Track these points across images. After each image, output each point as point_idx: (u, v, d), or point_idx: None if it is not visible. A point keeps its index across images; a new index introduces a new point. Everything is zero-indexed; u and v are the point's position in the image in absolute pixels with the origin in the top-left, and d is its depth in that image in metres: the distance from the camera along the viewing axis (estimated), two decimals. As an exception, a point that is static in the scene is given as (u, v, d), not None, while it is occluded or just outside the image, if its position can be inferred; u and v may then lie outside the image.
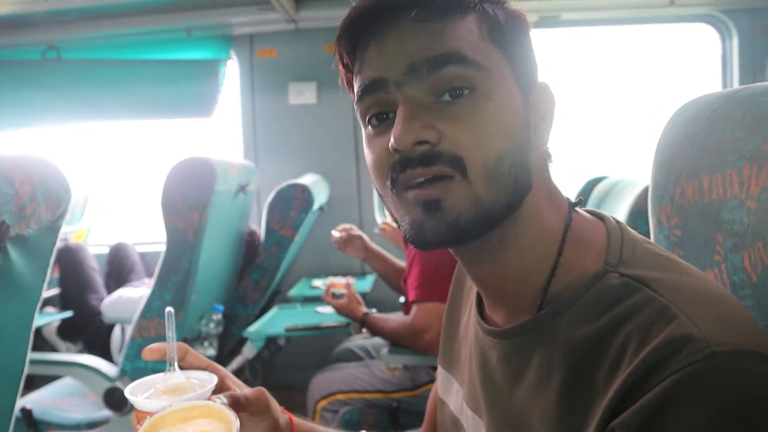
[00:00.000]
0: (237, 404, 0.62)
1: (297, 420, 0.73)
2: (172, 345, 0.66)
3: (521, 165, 0.54)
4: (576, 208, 0.60)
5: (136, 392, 0.61)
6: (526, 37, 0.58)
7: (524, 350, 0.57)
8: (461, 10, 0.53)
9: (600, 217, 0.60)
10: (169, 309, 0.67)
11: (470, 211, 0.52)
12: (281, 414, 0.70)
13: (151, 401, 0.60)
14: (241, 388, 0.70)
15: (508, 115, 0.53)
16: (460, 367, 0.71)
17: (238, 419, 0.54)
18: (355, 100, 0.57)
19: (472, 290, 0.74)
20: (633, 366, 0.45)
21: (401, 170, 0.53)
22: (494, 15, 0.55)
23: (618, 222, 0.59)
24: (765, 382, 0.42)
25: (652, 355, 0.44)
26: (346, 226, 2.31)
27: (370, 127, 0.57)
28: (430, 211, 0.52)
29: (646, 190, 1.04)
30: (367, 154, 0.58)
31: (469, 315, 0.72)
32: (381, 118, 0.56)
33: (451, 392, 0.73)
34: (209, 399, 0.61)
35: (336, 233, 2.26)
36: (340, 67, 0.59)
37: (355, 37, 0.56)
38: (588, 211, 0.62)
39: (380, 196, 0.58)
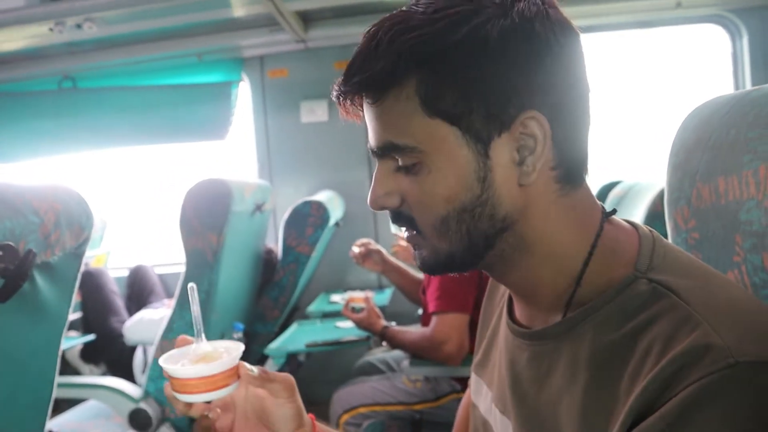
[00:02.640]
0: (265, 376, 0.69)
1: (318, 423, 0.76)
2: (197, 318, 0.71)
3: (476, 218, 0.57)
4: (611, 217, 0.61)
5: (168, 363, 0.67)
6: (491, 76, 0.53)
7: (552, 352, 0.58)
8: (394, 85, 0.55)
9: (634, 226, 0.61)
10: (191, 285, 0.73)
11: (432, 256, 0.60)
12: (304, 409, 0.74)
13: (184, 368, 0.65)
14: None
15: (447, 183, 0.56)
16: (489, 370, 0.73)
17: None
18: None
19: (504, 297, 0.75)
20: (654, 372, 0.45)
21: None
22: (429, 81, 0.53)
23: (651, 230, 0.59)
24: None
25: (673, 362, 0.44)
26: (364, 240, 2.31)
27: None
28: (414, 247, 0.63)
29: (661, 194, 1.04)
30: None
31: (498, 320, 0.73)
32: None
33: (481, 395, 0.74)
34: (238, 365, 0.68)
35: (356, 249, 2.27)
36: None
37: (346, 107, 0.63)
38: (624, 220, 0.62)
39: None
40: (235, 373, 0.68)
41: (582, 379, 0.53)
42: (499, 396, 0.67)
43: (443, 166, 0.56)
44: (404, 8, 0.56)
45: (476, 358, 0.80)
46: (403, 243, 2.40)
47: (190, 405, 0.69)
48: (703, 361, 0.43)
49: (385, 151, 0.58)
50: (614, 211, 0.61)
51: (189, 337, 0.72)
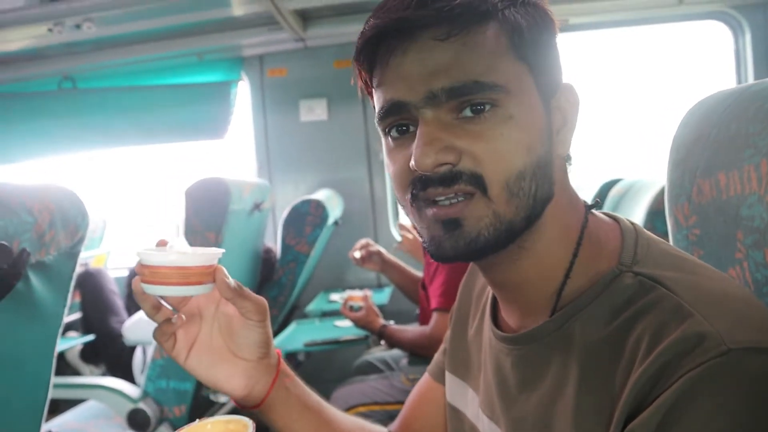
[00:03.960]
0: (239, 290, 0.65)
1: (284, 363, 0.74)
2: (182, 220, 0.66)
3: (543, 177, 0.54)
4: (592, 211, 0.60)
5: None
6: (550, 41, 0.56)
7: (540, 354, 0.56)
8: (480, 22, 0.52)
9: (615, 219, 0.60)
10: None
11: (490, 229, 0.53)
12: (272, 339, 0.71)
13: (158, 254, 0.61)
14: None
15: (529, 130, 0.53)
16: (473, 374, 0.71)
17: (253, 424, 0.55)
18: (377, 118, 0.57)
19: (482, 296, 0.74)
20: (647, 364, 0.45)
21: (422, 188, 0.54)
22: (515, 22, 0.53)
23: (632, 223, 0.59)
24: None
25: (666, 353, 0.44)
26: (364, 242, 2.29)
27: (390, 138, 0.57)
28: (449, 229, 0.53)
29: (662, 191, 1.03)
30: (388, 165, 0.59)
31: (480, 321, 0.72)
32: (401, 130, 0.56)
33: (467, 400, 0.72)
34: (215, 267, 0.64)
35: (357, 254, 2.24)
36: (359, 82, 0.60)
37: (372, 55, 0.56)
38: (604, 213, 0.62)
39: (401, 204, 0.59)
40: (210, 273, 0.63)
41: (573, 379, 0.52)
42: (487, 402, 0.65)
43: (526, 112, 0.53)
44: None
45: (452, 357, 0.77)
46: (410, 235, 2.39)
47: (158, 308, 0.65)
48: (696, 351, 0.43)
49: (460, 94, 0.51)
50: (596, 204, 0.60)
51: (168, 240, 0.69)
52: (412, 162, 0.52)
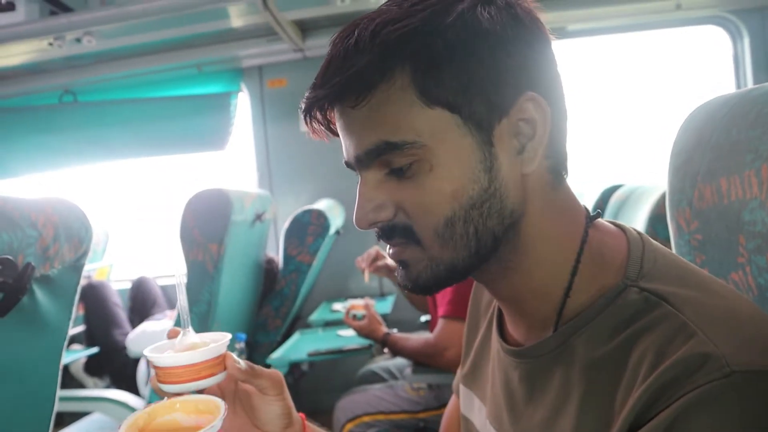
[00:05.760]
0: (251, 371, 0.66)
1: (308, 423, 0.74)
2: (184, 309, 0.69)
3: (485, 214, 0.53)
4: (596, 221, 0.59)
5: (154, 353, 0.65)
6: (484, 59, 0.51)
7: (545, 369, 0.56)
8: (385, 77, 0.51)
9: (621, 229, 0.59)
10: (179, 275, 0.71)
11: (427, 271, 0.55)
12: (293, 407, 0.72)
13: (166, 356, 0.63)
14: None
15: (453, 176, 0.52)
16: (481, 384, 0.71)
17: (225, 405, 0.58)
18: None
19: (490, 306, 0.73)
20: (648, 382, 0.44)
21: (377, 236, 0.58)
22: (429, 62, 0.51)
23: (640, 233, 0.57)
24: None
25: (668, 371, 0.43)
26: (373, 253, 2.27)
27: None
28: (401, 267, 0.58)
29: (664, 196, 1.04)
30: None
31: (488, 331, 0.71)
32: None
33: (474, 409, 0.72)
34: (224, 355, 0.66)
35: (367, 276, 2.22)
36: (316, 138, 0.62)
37: (320, 119, 0.58)
38: (610, 222, 0.61)
39: None
40: (221, 363, 0.65)
41: (576, 395, 0.51)
42: (495, 413, 0.64)
43: (447, 158, 0.52)
44: (374, 11, 0.54)
45: (464, 369, 0.77)
46: None
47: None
48: (700, 371, 0.42)
49: (376, 155, 0.53)
50: (599, 215, 0.59)
51: (179, 329, 0.70)
52: (353, 220, 0.57)
